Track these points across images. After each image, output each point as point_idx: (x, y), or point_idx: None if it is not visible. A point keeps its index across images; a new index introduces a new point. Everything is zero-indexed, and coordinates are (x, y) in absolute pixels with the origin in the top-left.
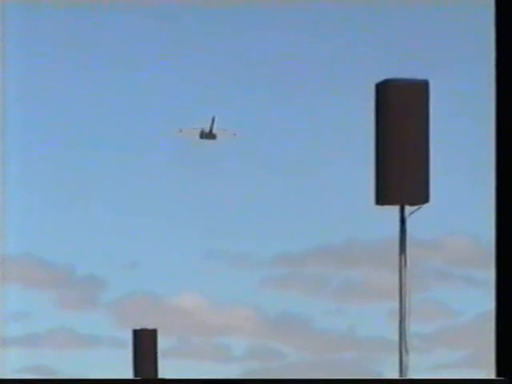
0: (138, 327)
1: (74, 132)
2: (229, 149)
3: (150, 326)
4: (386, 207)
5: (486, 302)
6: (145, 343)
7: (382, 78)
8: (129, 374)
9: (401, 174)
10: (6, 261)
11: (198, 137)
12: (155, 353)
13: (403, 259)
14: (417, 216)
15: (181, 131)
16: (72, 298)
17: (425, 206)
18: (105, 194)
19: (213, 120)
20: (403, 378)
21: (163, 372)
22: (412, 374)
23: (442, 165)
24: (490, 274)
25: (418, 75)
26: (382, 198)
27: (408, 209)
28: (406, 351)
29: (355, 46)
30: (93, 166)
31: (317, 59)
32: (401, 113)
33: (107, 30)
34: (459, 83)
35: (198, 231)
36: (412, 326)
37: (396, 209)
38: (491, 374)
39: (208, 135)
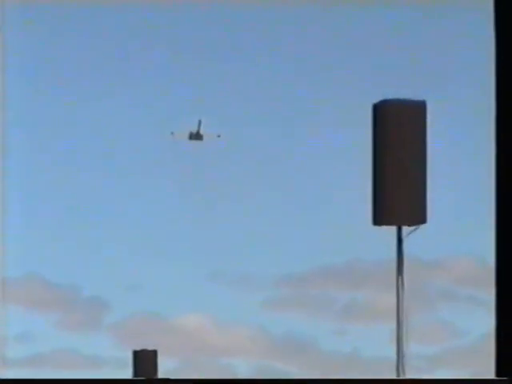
0: (138, 348)
1: (72, 146)
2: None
3: (154, 348)
4: (387, 227)
5: (491, 322)
6: (145, 364)
7: (380, 98)
8: None
9: (397, 194)
10: (9, 282)
11: (187, 138)
12: (155, 373)
13: (400, 280)
14: (420, 236)
15: (172, 134)
16: (76, 319)
17: (427, 226)
18: (107, 216)
19: (199, 122)
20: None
21: None
22: None
23: (441, 185)
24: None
25: (416, 96)
26: (378, 219)
27: (406, 229)
28: (403, 372)
29: (353, 65)
30: (94, 184)
31: (312, 76)
32: (398, 133)
33: (97, 36)
34: (457, 104)
35: (200, 252)
36: (416, 347)
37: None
38: None
39: (196, 136)
